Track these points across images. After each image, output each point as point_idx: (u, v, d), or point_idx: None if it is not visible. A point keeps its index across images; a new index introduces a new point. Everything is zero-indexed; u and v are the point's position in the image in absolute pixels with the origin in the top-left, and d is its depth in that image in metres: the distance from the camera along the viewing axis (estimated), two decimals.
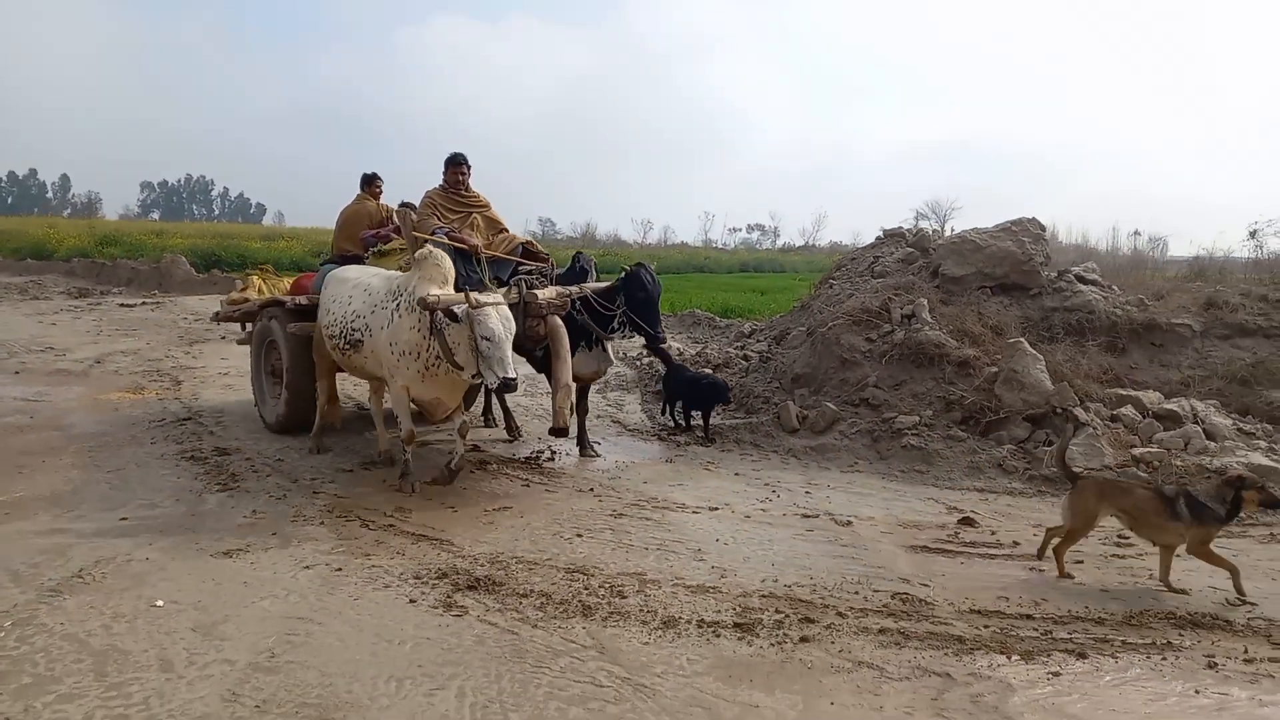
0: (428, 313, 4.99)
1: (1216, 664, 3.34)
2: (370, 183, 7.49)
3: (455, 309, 4.86)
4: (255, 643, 3.30)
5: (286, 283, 7.88)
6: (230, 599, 3.71)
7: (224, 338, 12.07)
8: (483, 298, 4.96)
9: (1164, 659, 3.38)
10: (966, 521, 5.11)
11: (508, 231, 6.67)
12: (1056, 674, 3.24)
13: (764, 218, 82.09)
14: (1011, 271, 7.75)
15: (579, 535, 4.70)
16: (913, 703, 3.02)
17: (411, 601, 3.75)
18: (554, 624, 3.57)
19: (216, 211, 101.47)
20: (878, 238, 9.97)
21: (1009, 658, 3.36)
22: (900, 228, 9.76)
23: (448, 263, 5.35)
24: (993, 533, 4.95)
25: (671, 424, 7.56)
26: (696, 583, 4.06)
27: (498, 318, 4.89)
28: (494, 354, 4.81)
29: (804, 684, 3.14)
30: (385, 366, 5.40)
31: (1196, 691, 3.13)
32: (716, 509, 5.30)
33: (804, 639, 3.49)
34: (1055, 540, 4.33)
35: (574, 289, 6.01)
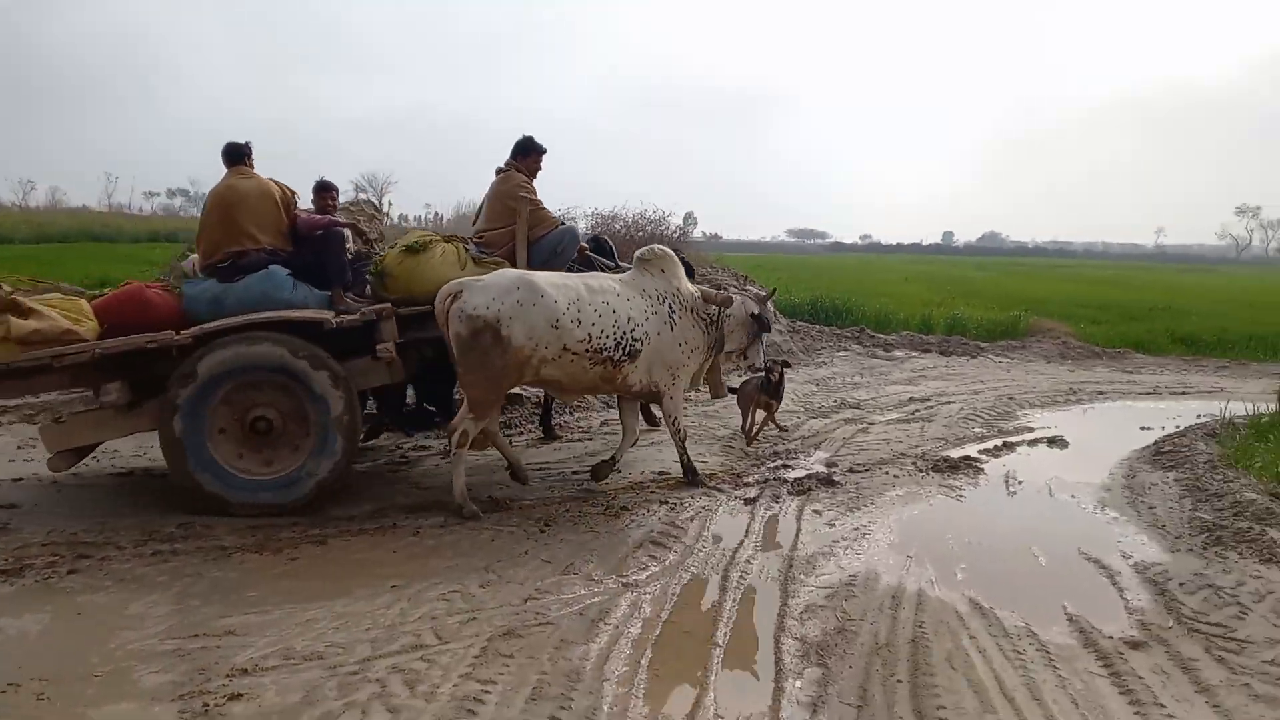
0: (705, 309, 5.53)
1: (420, 530, 4.63)
2: (248, 155, 5.47)
3: (762, 297, 6.00)
4: None
5: (80, 304, 5.04)
6: None
7: None
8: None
9: (385, 533, 4.58)
10: None
11: None
12: (295, 559, 4.21)
13: (187, 182, 73.64)
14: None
15: None
16: (160, 597, 3.69)
17: None
18: None
19: None
20: None
21: (261, 554, 4.24)
22: None
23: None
24: None
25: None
26: None
27: None
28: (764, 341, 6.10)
29: (56, 604, 3.60)
30: (669, 370, 5.41)
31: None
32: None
33: (72, 571, 3.92)
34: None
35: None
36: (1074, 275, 36.86)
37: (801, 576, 4.18)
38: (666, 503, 5.25)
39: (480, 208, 6.13)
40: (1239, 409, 7.71)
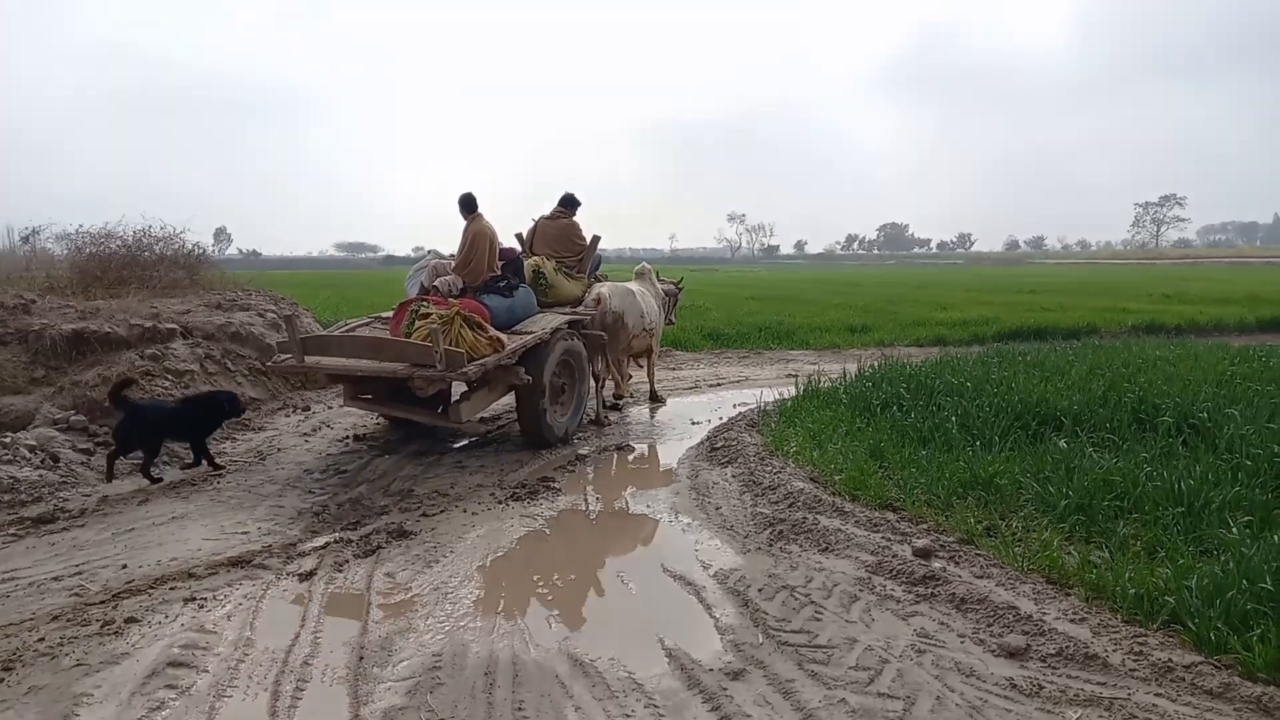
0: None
1: None
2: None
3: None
4: None
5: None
6: None
7: None
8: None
9: None
10: None
11: None
12: None
13: None
14: None
15: None
16: None
17: None
18: None
19: None
20: None
21: None
22: None
23: None
24: None
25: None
26: None
27: None
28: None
29: None
30: (657, 338, 9.06)
31: None
32: None
33: None
34: None
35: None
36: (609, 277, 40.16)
37: (376, 670, 3.42)
38: (194, 600, 4.11)
39: (531, 239, 8.61)
40: (769, 396, 8.57)
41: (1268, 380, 7.02)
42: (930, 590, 3.89)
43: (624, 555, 4.78)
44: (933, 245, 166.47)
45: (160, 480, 6.00)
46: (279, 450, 7.02)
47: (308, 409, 8.64)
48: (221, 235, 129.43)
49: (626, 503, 5.71)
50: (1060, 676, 3.09)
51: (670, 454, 7.01)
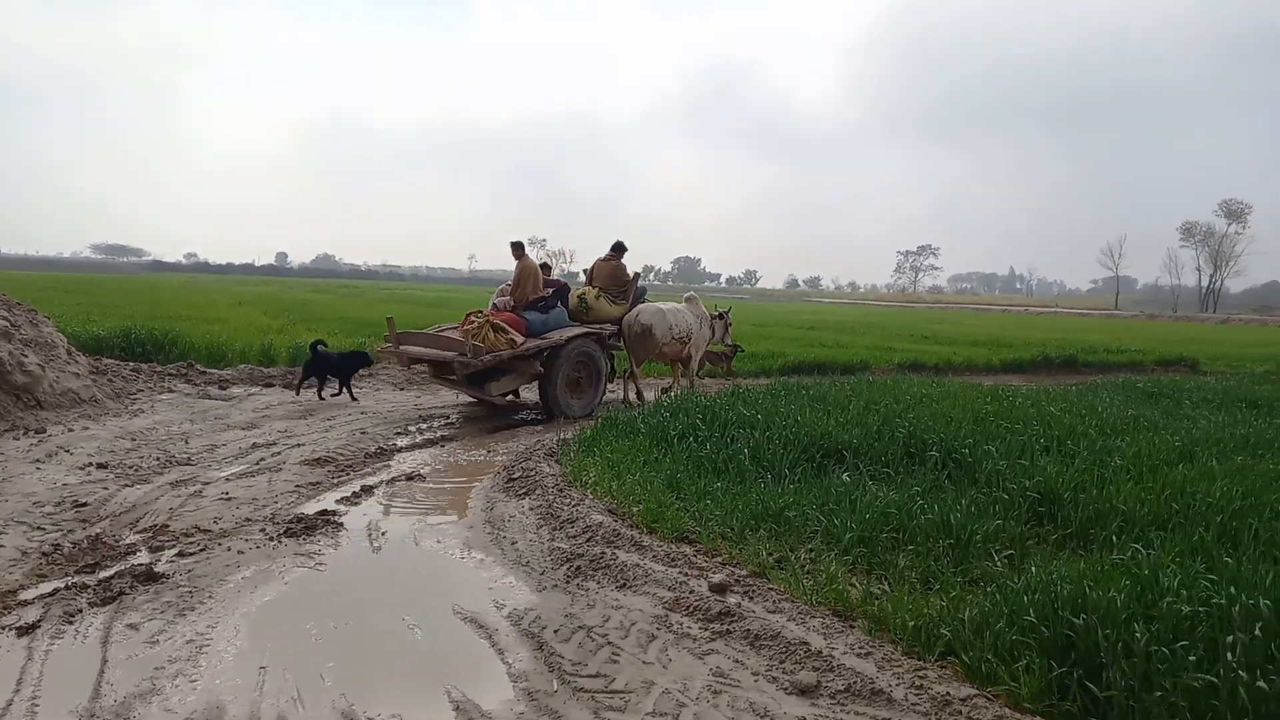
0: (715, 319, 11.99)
1: None
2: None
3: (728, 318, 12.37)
4: None
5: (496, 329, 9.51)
6: None
7: None
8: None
9: None
10: None
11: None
12: None
13: None
14: None
15: None
16: None
17: None
18: None
19: None
20: None
21: None
22: None
23: None
24: None
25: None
26: None
27: None
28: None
29: None
30: (695, 349, 11.25)
31: None
32: None
33: None
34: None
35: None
36: (406, 297, 38.98)
37: None
38: None
39: (591, 275, 11.29)
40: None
41: (1015, 419, 7.77)
42: (726, 627, 3.89)
43: (411, 596, 4.45)
44: (722, 280, 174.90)
45: (325, 399, 10.38)
46: (3, 479, 6.03)
47: (42, 430, 7.52)
48: None
49: (415, 538, 5.37)
50: (849, 714, 3.15)
51: (463, 484, 6.71)
